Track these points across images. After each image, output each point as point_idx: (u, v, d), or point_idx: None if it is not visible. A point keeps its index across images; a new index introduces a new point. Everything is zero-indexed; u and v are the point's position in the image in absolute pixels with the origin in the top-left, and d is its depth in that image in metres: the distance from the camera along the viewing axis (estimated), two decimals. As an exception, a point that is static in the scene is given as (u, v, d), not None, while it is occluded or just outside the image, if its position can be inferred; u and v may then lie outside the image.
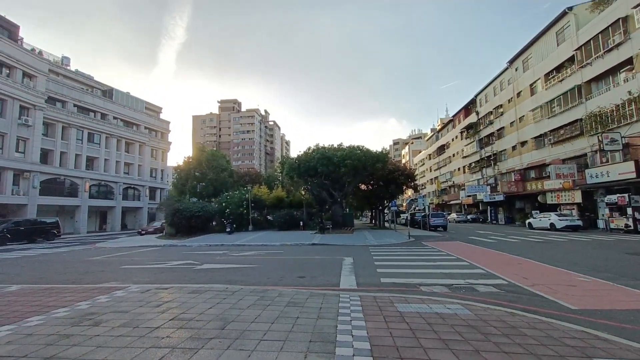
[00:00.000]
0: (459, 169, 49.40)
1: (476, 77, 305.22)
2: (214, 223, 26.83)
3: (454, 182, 51.47)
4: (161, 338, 3.62)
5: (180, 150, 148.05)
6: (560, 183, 24.77)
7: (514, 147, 33.87)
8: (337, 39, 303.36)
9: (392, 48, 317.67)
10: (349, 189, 26.73)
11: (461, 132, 47.63)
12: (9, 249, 17.82)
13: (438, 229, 25.45)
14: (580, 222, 21.71)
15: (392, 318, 4.32)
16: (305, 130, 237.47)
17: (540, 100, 28.80)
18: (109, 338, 3.63)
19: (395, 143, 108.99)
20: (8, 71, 27.23)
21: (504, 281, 7.15)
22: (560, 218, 22.13)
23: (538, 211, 27.62)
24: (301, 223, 26.04)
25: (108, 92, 41.03)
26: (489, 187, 36.72)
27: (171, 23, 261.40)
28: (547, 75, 28.12)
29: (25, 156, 28.47)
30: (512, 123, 34.15)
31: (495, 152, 37.42)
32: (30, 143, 28.75)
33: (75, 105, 34.91)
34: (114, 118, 39.52)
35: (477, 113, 42.45)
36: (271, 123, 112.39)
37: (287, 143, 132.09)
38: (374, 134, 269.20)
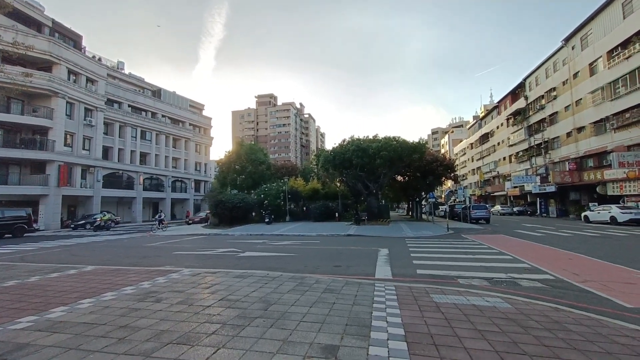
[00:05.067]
0: (504, 158, 46.26)
1: (522, 62, 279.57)
2: (253, 214, 28.10)
3: (498, 172, 48.37)
4: (213, 315, 4.06)
5: (221, 144, 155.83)
6: (624, 172, 22.26)
7: (568, 134, 30.91)
8: (369, 27, 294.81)
9: (427, 34, 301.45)
10: (384, 181, 26.39)
11: (507, 119, 44.38)
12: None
13: (480, 221, 24.27)
14: (647, 216, 19.42)
15: (427, 307, 4.39)
16: (339, 121, 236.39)
17: (601, 81, 25.84)
18: (169, 313, 4.16)
19: (434, 132, 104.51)
20: (75, 77, 30.44)
21: (550, 276, 6.79)
22: (623, 211, 19.95)
23: (596, 203, 25.14)
24: (336, 214, 26.34)
25: (157, 92, 44.21)
26: (538, 177, 34.00)
27: (210, 20, 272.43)
28: (610, 52, 25.08)
29: (90, 153, 31.83)
30: (567, 107, 31.11)
31: (546, 139, 34.43)
32: (93, 141, 32.08)
33: (129, 106, 38.19)
34: (163, 116, 42.63)
35: (526, 98, 39.20)
36: (306, 116, 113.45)
37: (322, 135, 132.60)
38: (411, 122, 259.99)
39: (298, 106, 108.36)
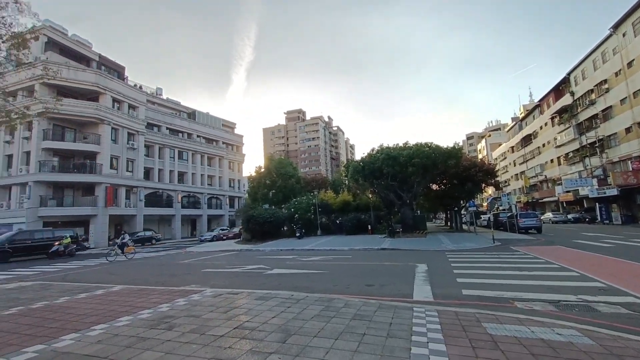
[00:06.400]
0: (551, 160, 42.38)
1: (557, 59, 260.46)
2: (284, 228, 27.91)
3: (545, 176, 44.31)
4: (223, 348, 3.55)
5: (254, 161, 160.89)
6: None
7: (628, 129, 27.48)
8: (393, 35, 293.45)
9: (453, 39, 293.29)
10: (418, 190, 25.01)
11: (552, 118, 40.86)
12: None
13: (530, 231, 21.91)
14: None
15: (480, 343, 3.55)
16: (368, 132, 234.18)
17: (665, 67, 22.86)
18: (177, 344, 3.72)
19: (469, 137, 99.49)
20: (118, 105, 32.98)
21: (636, 299, 5.50)
22: None
23: (673, 207, 21.74)
24: (369, 227, 25.28)
25: (192, 114, 46.66)
26: (595, 179, 30.46)
27: (240, 44, 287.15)
28: (674, 34, 22.21)
29: (133, 174, 33.94)
30: (623, 100, 27.83)
31: (601, 137, 30.93)
32: (136, 163, 34.24)
33: (167, 128, 40.58)
34: (198, 136, 44.78)
35: (572, 93, 35.86)
36: (335, 128, 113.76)
37: (352, 147, 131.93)
38: (442, 128, 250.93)
39: (326, 119, 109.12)
